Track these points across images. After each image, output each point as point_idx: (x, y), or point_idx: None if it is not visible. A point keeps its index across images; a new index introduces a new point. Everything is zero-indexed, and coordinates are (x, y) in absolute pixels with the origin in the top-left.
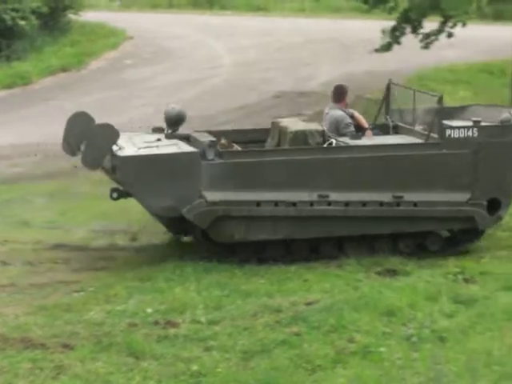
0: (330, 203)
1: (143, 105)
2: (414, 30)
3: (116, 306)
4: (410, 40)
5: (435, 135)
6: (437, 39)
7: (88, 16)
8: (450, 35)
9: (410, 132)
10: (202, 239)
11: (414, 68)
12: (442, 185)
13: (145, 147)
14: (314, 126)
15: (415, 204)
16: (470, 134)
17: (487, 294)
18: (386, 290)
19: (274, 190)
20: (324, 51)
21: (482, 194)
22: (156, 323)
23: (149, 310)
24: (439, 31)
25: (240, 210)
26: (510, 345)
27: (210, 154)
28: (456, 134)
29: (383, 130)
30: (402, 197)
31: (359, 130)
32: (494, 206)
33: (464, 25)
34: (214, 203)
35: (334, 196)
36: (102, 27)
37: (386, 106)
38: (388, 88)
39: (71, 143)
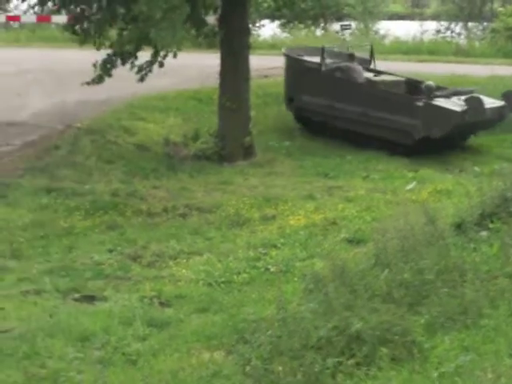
0: None
1: None
2: (124, 62)
3: None
4: (121, 70)
5: None
6: (150, 71)
7: None
8: (161, 65)
9: None
10: None
11: (125, 97)
12: None
13: None
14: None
15: None
16: None
17: (181, 316)
18: (81, 316)
19: None
20: (37, 81)
21: None
22: None
23: None
24: (151, 62)
25: None
26: (194, 365)
27: None
28: None
29: None
30: None
31: None
32: None
33: (175, 55)
34: None
35: None
36: None
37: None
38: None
39: None
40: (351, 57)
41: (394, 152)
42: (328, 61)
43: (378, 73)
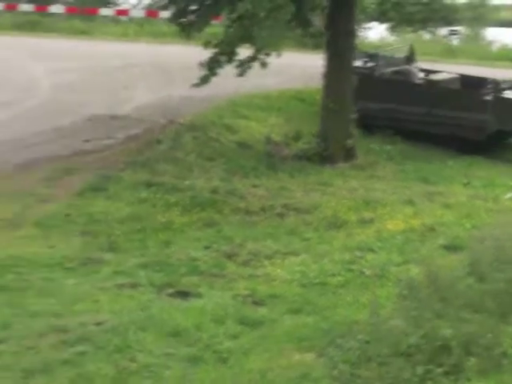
0: None
1: None
2: (230, 61)
3: None
4: (225, 67)
5: None
6: (250, 67)
7: None
8: (263, 65)
9: None
10: None
11: (228, 94)
12: None
13: None
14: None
15: None
16: None
17: (274, 316)
18: (174, 311)
19: None
20: (143, 75)
21: None
22: None
23: None
24: (253, 58)
25: None
26: (284, 366)
27: None
28: None
29: None
30: None
31: None
32: None
33: (279, 54)
34: None
35: None
36: None
37: None
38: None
39: None
40: (409, 59)
41: (463, 149)
42: (381, 64)
43: (427, 72)
